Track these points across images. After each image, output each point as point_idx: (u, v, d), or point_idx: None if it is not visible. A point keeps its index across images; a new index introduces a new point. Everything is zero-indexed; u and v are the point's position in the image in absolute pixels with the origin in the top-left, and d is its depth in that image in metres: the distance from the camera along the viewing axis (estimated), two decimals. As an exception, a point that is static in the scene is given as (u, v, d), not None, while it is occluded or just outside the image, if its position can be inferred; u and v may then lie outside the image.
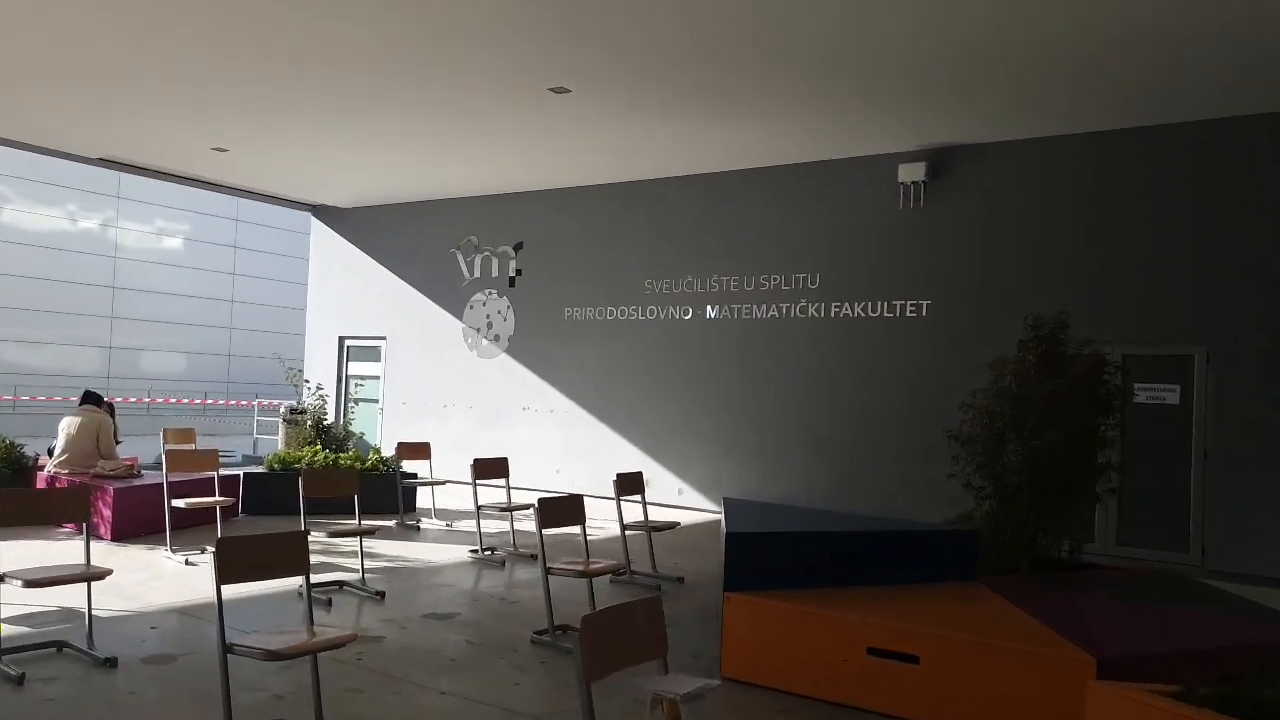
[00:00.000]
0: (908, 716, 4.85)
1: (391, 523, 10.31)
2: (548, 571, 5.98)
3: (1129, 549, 9.57)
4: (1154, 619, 5.47)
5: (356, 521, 7.25)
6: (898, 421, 10.85)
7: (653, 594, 7.66)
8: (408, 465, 11.06)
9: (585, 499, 6.66)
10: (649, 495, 8.71)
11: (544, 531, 6.00)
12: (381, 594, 7.05)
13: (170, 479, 8.22)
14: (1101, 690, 4.03)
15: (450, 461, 12.13)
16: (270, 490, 10.33)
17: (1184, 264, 9.49)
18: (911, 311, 11.01)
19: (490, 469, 9.09)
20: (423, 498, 11.50)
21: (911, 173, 10.80)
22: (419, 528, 10.25)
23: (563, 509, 6.32)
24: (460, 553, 8.92)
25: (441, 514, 11.12)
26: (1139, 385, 9.68)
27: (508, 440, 13.61)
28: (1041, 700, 4.50)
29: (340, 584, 7.28)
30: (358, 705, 4.71)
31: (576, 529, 6.55)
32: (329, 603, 6.77)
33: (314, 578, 7.24)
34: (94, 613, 5.51)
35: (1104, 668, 4.38)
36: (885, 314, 11.18)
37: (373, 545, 9.11)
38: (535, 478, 13.20)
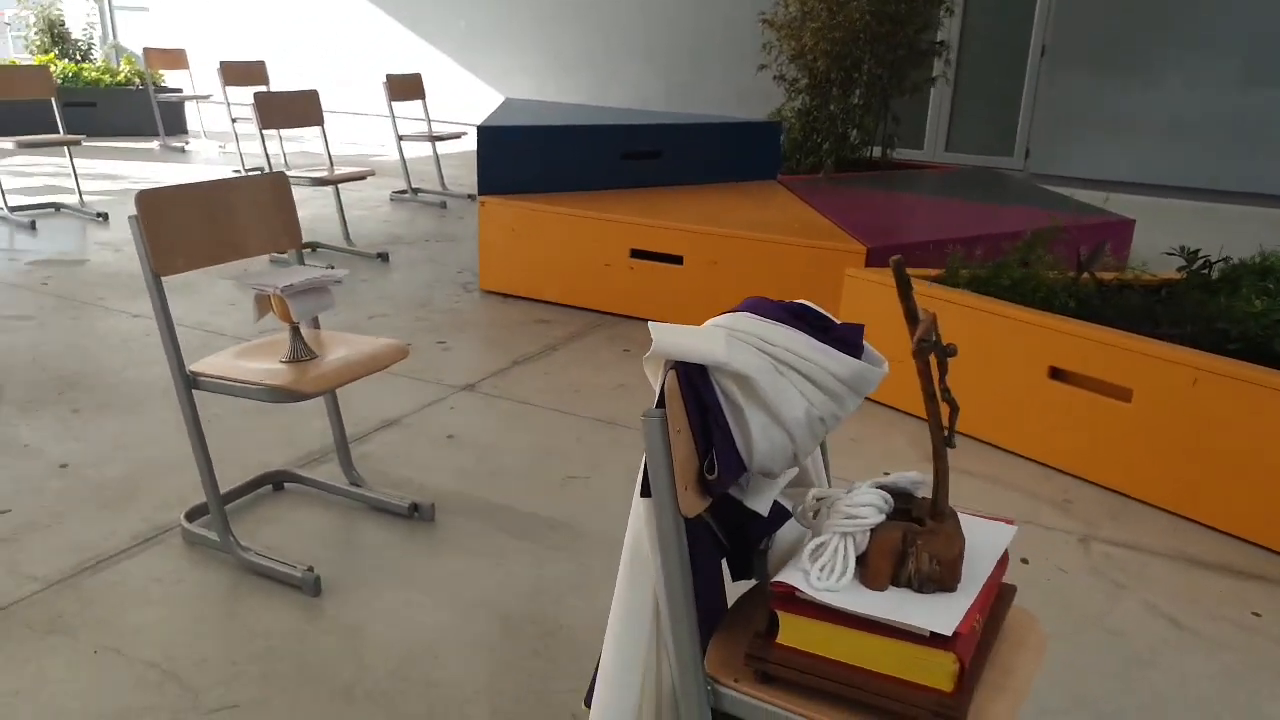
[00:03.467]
0: (670, 320, 4.42)
1: (153, 144, 9.02)
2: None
3: (958, 154, 9.23)
4: (945, 212, 5.06)
5: (59, 132, 6.06)
6: (737, 23, 9.79)
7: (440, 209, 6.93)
8: (171, 79, 9.55)
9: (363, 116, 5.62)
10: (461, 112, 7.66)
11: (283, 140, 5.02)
12: (104, 215, 6.06)
13: None
14: (855, 276, 3.59)
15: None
16: None
17: None
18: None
19: (245, 74, 7.76)
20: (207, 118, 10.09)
21: None
22: (184, 149, 9.01)
23: (292, 105, 5.28)
24: (224, 173, 7.86)
25: (218, 136, 9.83)
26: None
27: (272, 44, 11.93)
28: (805, 293, 4.07)
29: (57, 206, 6.23)
30: (20, 331, 3.95)
31: (316, 131, 5.58)
32: (32, 225, 5.78)
33: (26, 199, 6.29)
34: None
35: (874, 256, 3.94)
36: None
37: (123, 168, 7.92)
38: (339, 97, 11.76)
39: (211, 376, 2.24)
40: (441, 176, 7.53)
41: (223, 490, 2.60)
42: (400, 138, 6.87)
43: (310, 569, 2.25)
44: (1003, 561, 1.31)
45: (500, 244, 4.75)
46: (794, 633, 1.22)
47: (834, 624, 1.18)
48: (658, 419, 1.18)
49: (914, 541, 1.21)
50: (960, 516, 1.38)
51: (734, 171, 5.63)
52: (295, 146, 9.01)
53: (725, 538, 1.42)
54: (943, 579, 1.20)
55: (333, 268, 4.94)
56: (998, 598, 1.32)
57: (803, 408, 1.27)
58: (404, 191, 7.21)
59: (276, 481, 2.76)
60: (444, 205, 7.03)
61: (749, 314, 1.35)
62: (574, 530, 2.56)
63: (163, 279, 2.21)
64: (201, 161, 8.46)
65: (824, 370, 1.31)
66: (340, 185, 5.55)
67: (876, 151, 6.72)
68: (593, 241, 4.50)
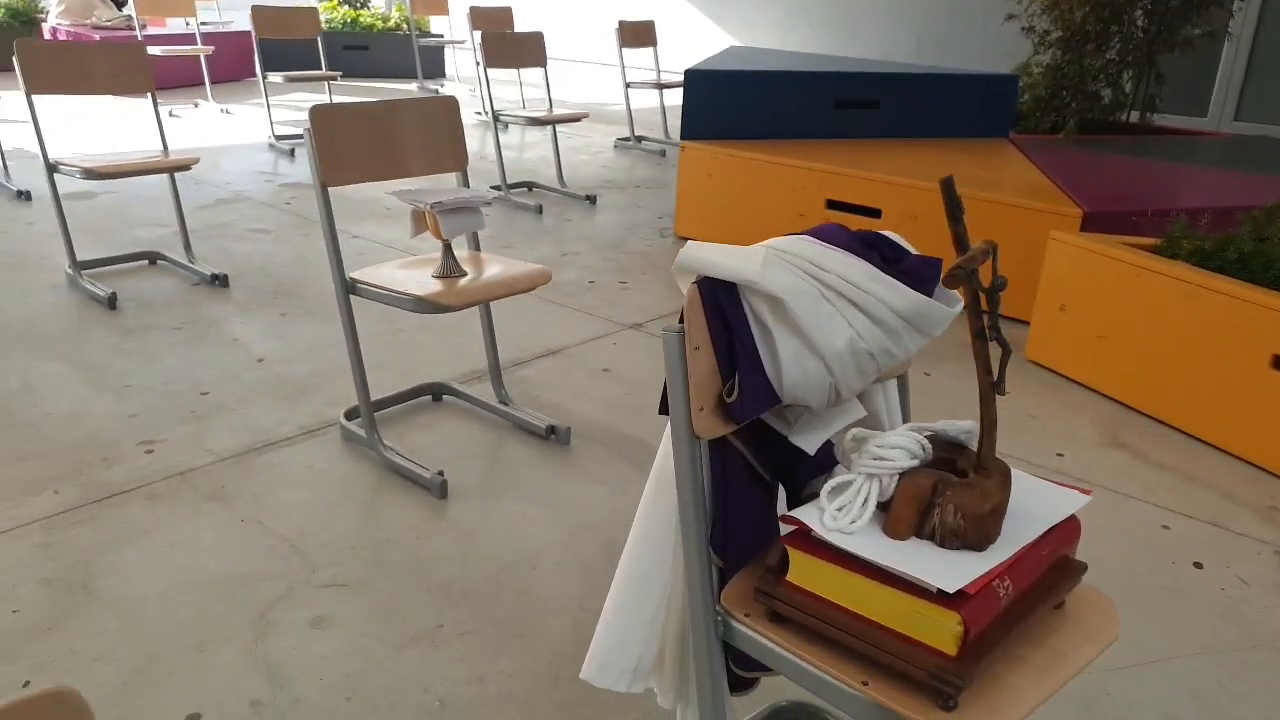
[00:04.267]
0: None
1: (412, 86, 9.70)
2: (496, 118, 5.35)
3: (1252, 124, 8.14)
4: (1197, 181, 4.50)
5: (321, 69, 6.64)
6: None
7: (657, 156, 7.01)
8: (435, 25, 10.19)
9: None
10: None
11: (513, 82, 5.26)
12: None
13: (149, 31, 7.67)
14: (1061, 240, 3.28)
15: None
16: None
17: None
18: None
19: (492, 19, 8.13)
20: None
21: None
22: (438, 91, 9.61)
23: (517, 46, 5.48)
24: (467, 117, 8.31)
25: (468, 80, 10.40)
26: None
27: None
28: (1008, 256, 3.78)
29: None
30: (258, 243, 4.40)
31: (559, 79, 5.78)
32: (291, 153, 6.39)
33: (290, 130, 6.96)
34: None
35: (1092, 221, 3.58)
36: None
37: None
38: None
39: (367, 284, 2.40)
40: (665, 125, 7.59)
41: (384, 395, 2.79)
42: (627, 85, 6.98)
43: (440, 474, 2.37)
44: (1063, 531, 1.16)
45: (697, 189, 4.74)
46: (803, 572, 1.14)
47: (842, 567, 1.10)
48: (675, 335, 1.14)
49: (943, 492, 1.10)
50: (1023, 478, 1.24)
51: (960, 127, 5.28)
52: (537, 94, 9.38)
53: (771, 474, 1.35)
54: (967, 535, 1.08)
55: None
56: (1054, 570, 1.18)
57: (846, 338, 1.18)
58: (627, 138, 7.33)
59: (435, 393, 2.93)
60: (663, 153, 7.09)
61: (810, 238, 1.27)
62: (700, 470, 2.54)
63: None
64: (452, 104, 9.00)
65: (880, 302, 1.21)
66: (560, 128, 5.73)
67: (1135, 116, 6.07)
68: (789, 190, 4.39)
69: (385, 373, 3.03)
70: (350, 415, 2.67)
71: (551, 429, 2.66)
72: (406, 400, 2.86)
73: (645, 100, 9.08)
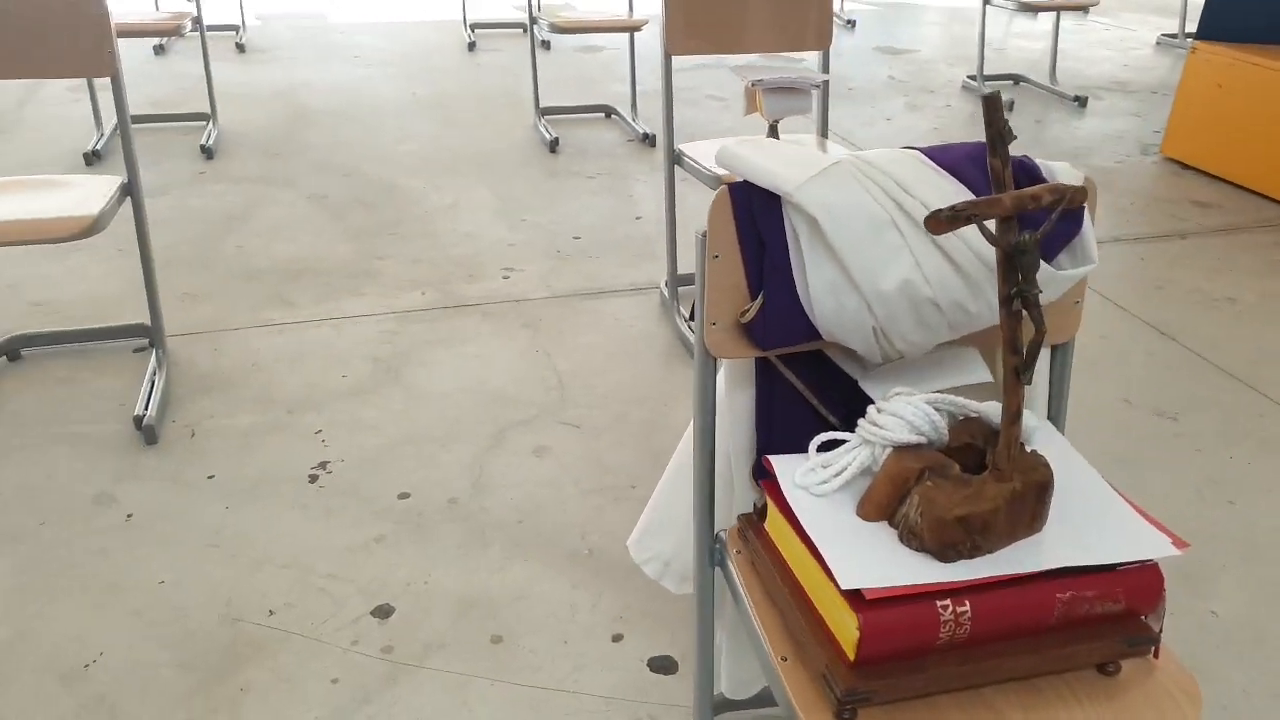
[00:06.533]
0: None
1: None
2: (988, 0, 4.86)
3: None
4: None
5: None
6: None
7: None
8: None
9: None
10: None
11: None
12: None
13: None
14: None
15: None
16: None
17: None
18: None
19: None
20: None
21: None
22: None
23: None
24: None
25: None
26: None
27: None
28: None
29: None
30: (703, 109, 4.60)
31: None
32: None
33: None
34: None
35: None
36: None
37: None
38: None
39: (688, 156, 2.45)
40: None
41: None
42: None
43: (718, 352, 2.41)
44: (1127, 582, 0.89)
45: (1201, 102, 3.92)
46: (773, 523, 1.03)
47: (794, 529, 0.97)
48: (702, 237, 1.05)
49: (922, 482, 0.90)
50: (1107, 500, 0.97)
51: None
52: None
53: (843, 419, 1.20)
54: (924, 539, 0.88)
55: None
56: (1099, 623, 0.91)
57: (899, 279, 0.99)
58: (1174, 35, 6.21)
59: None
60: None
61: (922, 155, 1.06)
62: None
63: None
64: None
65: (965, 245, 0.99)
66: (1096, 16, 5.04)
67: None
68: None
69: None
70: (671, 283, 2.79)
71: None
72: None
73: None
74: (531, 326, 2.60)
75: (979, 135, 4.65)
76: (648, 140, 4.07)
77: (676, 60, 2.49)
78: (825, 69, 2.60)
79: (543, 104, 4.26)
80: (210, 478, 1.98)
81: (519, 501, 1.94)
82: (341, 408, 2.22)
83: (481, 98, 4.70)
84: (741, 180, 1.05)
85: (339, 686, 1.52)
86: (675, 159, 2.50)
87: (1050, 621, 0.90)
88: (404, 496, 1.94)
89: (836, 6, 6.99)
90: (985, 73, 5.12)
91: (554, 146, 3.96)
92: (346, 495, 1.94)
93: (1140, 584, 0.91)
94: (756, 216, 1.04)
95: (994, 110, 0.82)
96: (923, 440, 0.95)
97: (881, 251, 1.00)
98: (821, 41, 2.55)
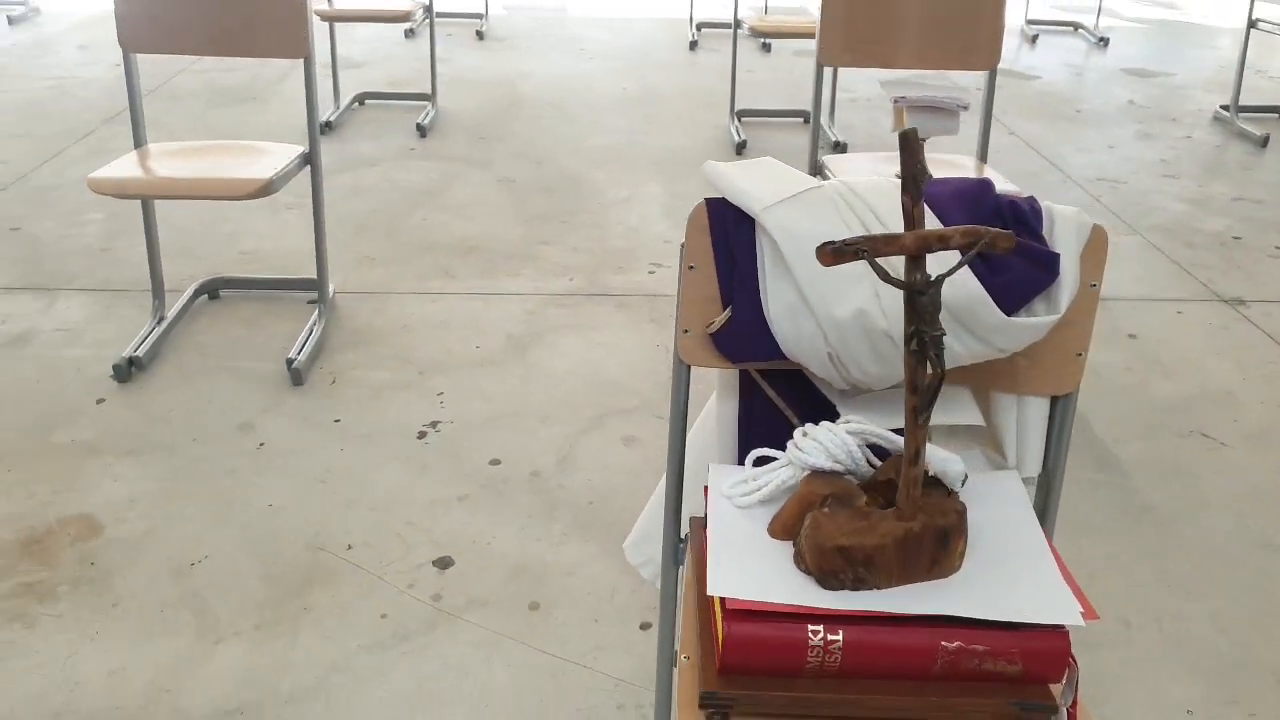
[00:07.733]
0: None
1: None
2: (1252, 25, 4.39)
3: None
4: None
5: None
6: None
7: None
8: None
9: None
10: None
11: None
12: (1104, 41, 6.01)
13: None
14: None
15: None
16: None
17: None
18: None
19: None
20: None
21: None
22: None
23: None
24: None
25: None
26: None
27: None
28: None
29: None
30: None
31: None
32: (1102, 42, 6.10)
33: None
34: None
35: None
36: None
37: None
38: None
39: (828, 169, 2.43)
40: None
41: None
42: None
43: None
44: (1029, 646, 0.86)
45: None
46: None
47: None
48: (681, 250, 1.10)
49: (819, 508, 0.91)
50: (1036, 555, 0.93)
51: None
52: None
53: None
54: (805, 562, 0.89)
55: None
56: (991, 680, 0.88)
57: (854, 309, 1.00)
58: None
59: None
60: None
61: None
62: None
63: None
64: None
65: (922, 281, 0.98)
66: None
67: None
68: None
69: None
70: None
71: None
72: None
73: None
74: (658, 322, 2.68)
75: (1215, 172, 4.35)
76: (839, 147, 4.03)
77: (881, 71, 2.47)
78: (991, 90, 2.49)
79: (742, 106, 4.31)
80: (336, 421, 2.21)
81: (596, 484, 2.03)
82: (466, 374, 2.41)
83: (687, 96, 4.81)
84: (720, 196, 1.08)
85: (385, 622, 1.68)
86: (817, 169, 2.49)
87: (933, 669, 0.88)
88: (494, 463, 2.09)
89: (1089, 22, 6.53)
90: (1243, 103, 4.64)
91: (740, 149, 4.01)
92: (445, 454, 2.11)
93: (1043, 649, 0.88)
94: (730, 232, 1.07)
95: (909, 149, 0.82)
96: (839, 468, 0.95)
97: (838, 280, 1.00)
98: (989, 60, 2.45)
